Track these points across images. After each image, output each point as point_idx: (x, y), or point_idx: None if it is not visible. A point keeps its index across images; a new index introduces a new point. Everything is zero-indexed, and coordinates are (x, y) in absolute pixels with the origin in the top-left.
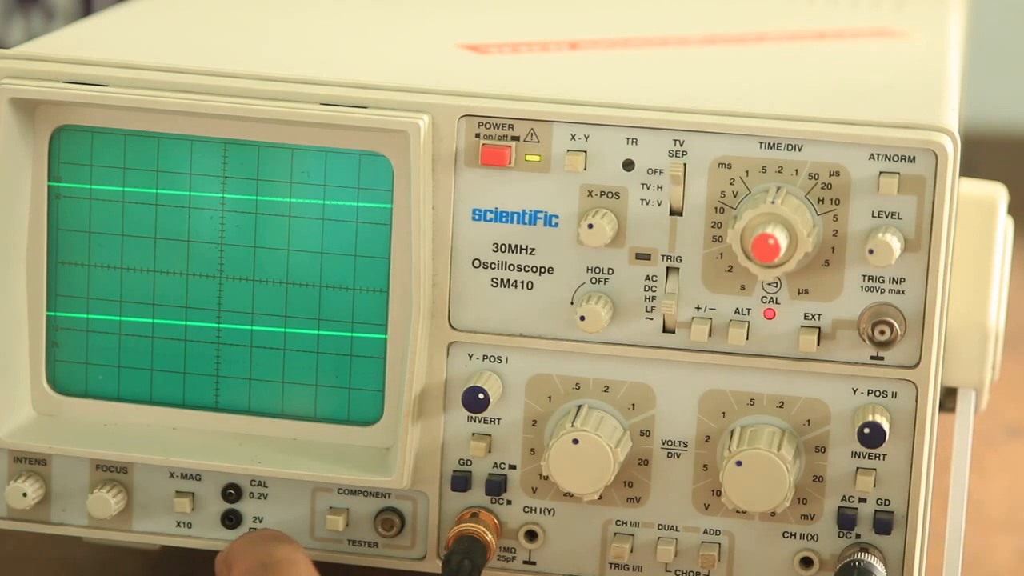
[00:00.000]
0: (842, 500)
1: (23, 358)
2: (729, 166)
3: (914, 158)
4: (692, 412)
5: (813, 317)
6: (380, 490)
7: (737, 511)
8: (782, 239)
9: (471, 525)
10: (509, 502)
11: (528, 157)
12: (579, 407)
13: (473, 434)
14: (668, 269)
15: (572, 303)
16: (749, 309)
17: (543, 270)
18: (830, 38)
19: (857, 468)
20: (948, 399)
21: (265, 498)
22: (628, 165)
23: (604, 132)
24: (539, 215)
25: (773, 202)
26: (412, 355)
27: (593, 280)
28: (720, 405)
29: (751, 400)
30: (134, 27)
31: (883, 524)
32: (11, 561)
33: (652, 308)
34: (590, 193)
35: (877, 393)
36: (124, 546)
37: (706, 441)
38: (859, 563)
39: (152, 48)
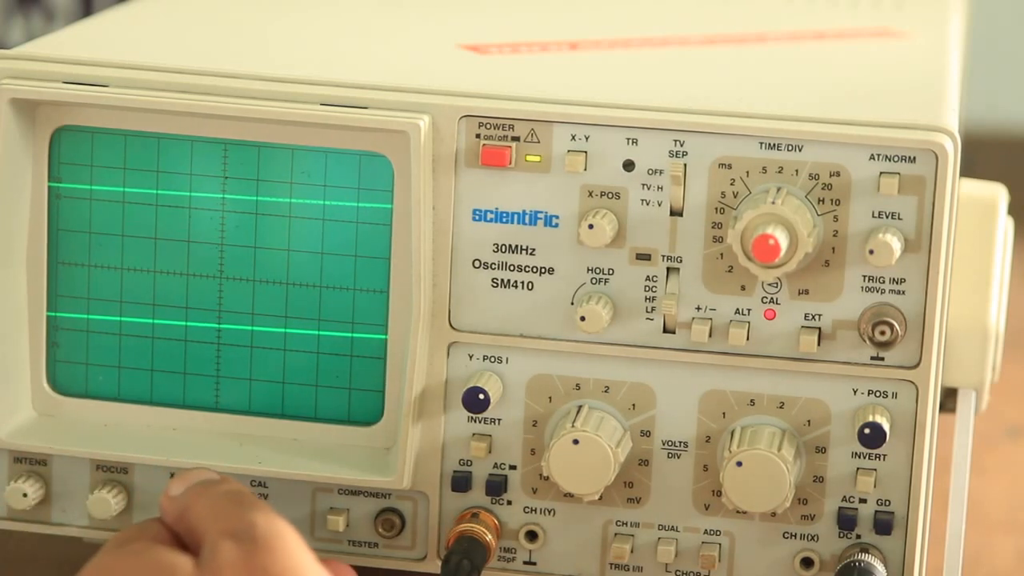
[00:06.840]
0: (842, 500)
1: (23, 358)
2: (729, 166)
3: (914, 158)
4: (692, 412)
5: (813, 317)
6: (380, 490)
7: (737, 511)
8: (782, 239)
9: (471, 525)
10: (509, 502)
11: (528, 157)
12: (579, 407)
13: (473, 434)
14: (668, 269)
15: (572, 303)
16: (749, 309)
17: (543, 270)
18: (830, 38)
19: (857, 468)
20: (948, 399)
21: (265, 498)
22: (628, 165)
23: (604, 132)
24: (539, 215)
25: (773, 202)
26: (412, 355)
27: (593, 280)
28: (720, 405)
29: (751, 400)
30: (134, 27)
31: (883, 524)
32: (11, 561)
33: (652, 308)
34: (590, 193)
35: (877, 393)
36: None
37: (706, 441)
38: (859, 563)
39: (152, 48)
